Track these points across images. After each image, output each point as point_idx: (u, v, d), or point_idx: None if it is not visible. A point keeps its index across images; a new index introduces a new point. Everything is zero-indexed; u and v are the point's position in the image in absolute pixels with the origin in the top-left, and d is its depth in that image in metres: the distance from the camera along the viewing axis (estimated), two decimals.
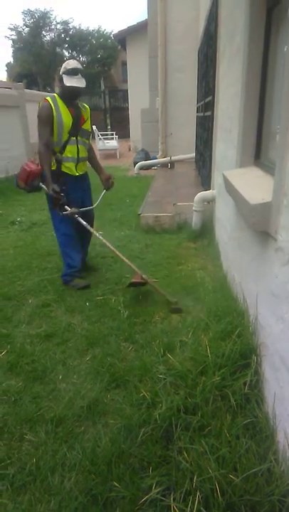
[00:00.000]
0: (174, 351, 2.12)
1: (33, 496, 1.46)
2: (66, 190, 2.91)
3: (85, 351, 2.34)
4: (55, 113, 2.82)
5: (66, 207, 2.91)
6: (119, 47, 16.71)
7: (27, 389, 2.01)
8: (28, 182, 2.98)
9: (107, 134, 12.91)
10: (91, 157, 3.24)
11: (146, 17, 8.94)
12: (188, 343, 2.11)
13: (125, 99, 15.63)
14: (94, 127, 11.89)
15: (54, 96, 2.90)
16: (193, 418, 1.55)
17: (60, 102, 2.88)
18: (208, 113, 4.49)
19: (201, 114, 5.82)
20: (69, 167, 3.00)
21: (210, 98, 4.34)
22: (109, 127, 17.13)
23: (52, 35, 25.61)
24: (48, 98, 2.87)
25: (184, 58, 7.75)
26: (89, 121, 3.08)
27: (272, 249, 1.59)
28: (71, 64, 2.85)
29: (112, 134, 12.71)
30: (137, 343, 2.37)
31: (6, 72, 28.65)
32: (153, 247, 3.94)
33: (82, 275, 3.26)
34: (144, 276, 2.86)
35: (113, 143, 12.15)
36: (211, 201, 4.12)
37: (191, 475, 1.30)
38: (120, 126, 15.59)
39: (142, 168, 8.53)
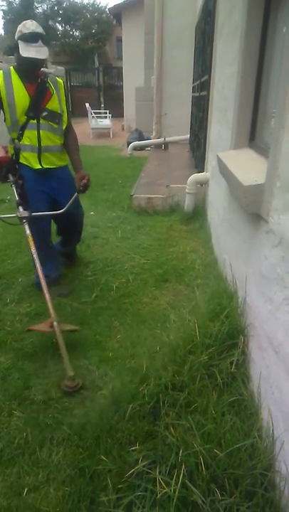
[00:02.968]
0: (163, 330, 2.15)
1: (22, 468, 1.49)
2: (22, 186, 2.38)
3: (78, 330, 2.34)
4: (4, 91, 2.29)
5: (19, 208, 2.32)
6: (115, 22, 16.18)
7: (16, 366, 2.02)
8: None
9: (100, 113, 12.64)
10: (68, 147, 2.61)
11: None
12: (176, 323, 2.13)
13: (120, 77, 15.26)
14: (87, 105, 11.66)
15: (8, 69, 2.34)
16: (180, 395, 1.58)
17: (14, 76, 2.33)
18: (204, 93, 4.41)
19: (197, 94, 5.71)
20: (27, 158, 2.45)
21: (206, 77, 4.26)
22: (102, 105, 16.75)
23: (44, 7, 24.68)
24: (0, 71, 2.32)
25: (181, 35, 7.54)
26: (57, 99, 2.44)
27: (263, 231, 1.59)
28: (29, 26, 2.20)
29: (106, 113, 12.44)
30: (126, 322, 2.39)
31: None
32: (145, 229, 3.92)
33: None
34: (54, 323, 2.02)
35: (106, 122, 11.92)
36: (204, 183, 4.09)
37: (176, 449, 1.33)
38: (114, 104, 15.24)
39: (135, 148, 8.41)
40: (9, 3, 24.05)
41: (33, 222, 2.33)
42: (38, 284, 2.50)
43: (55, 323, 2.00)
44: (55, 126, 2.46)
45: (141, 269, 3.05)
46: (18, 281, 2.92)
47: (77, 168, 2.66)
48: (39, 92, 2.37)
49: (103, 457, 1.42)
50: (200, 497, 1.13)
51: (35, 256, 2.24)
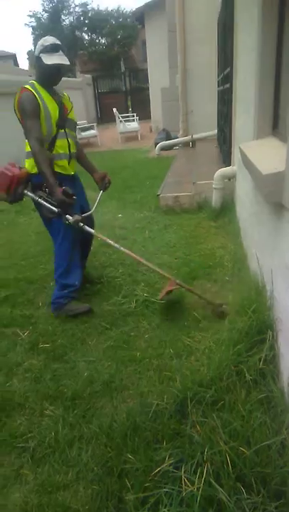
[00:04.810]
0: (190, 328, 2.12)
1: (52, 467, 1.52)
2: (68, 194, 2.35)
3: (104, 331, 2.37)
4: (40, 103, 2.31)
5: (66, 216, 2.33)
6: (139, 25, 16.28)
7: (47, 367, 2.07)
8: (12, 190, 2.36)
9: (128, 116, 12.74)
10: (79, 153, 2.69)
11: None
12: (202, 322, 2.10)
13: (146, 79, 15.31)
14: (114, 110, 11.80)
15: (33, 84, 2.37)
16: (207, 392, 1.55)
17: (41, 89, 2.36)
18: (227, 85, 4.32)
19: (221, 88, 5.60)
20: (63, 166, 2.49)
21: (228, 69, 4.17)
22: (130, 109, 16.88)
23: (71, 18, 25.30)
24: (28, 86, 2.34)
25: (203, 31, 7.43)
26: (73, 111, 2.57)
27: (286, 221, 1.53)
28: (49, 40, 2.34)
29: (133, 116, 12.53)
30: (154, 322, 2.38)
31: (27, 60, 28.78)
32: (172, 228, 3.90)
33: (85, 291, 2.82)
34: (178, 281, 2.44)
35: (134, 125, 11.99)
36: (231, 178, 4.00)
37: (202, 448, 1.30)
38: (141, 107, 15.31)
39: (162, 148, 8.39)
40: (38, 19, 24.90)
41: (75, 229, 2.40)
42: (58, 299, 2.56)
43: (177, 281, 2.44)
44: (74, 134, 2.60)
45: (168, 268, 3.02)
46: (50, 285, 2.99)
47: (93, 169, 2.74)
48: (61, 103, 2.48)
49: (130, 456, 1.41)
50: (225, 496, 1.10)
51: (117, 245, 2.47)
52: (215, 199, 4.06)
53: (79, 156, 2.70)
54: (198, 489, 1.15)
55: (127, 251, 2.47)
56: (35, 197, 2.38)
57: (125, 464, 1.41)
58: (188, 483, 1.18)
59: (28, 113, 2.30)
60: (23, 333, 2.38)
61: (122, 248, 2.47)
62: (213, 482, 1.15)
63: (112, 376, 1.95)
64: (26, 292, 2.91)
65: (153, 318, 2.44)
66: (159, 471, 1.31)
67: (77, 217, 2.34)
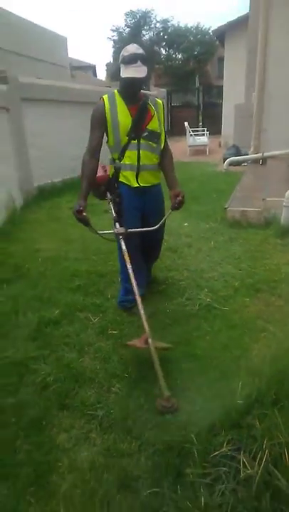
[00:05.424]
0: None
1: (118, 436, 1.70)
2: (120, 204, 2.53)
3: (166, 327, 2.53)
4: (109, 113, 2.37)
5: (116, 224, 2.47)
6: (217, 42, 16.53)
7: (115, 351, 2.27)
8: (97, 187, 2.58)
9: (198, 130, 12.95)
10: (164, 166, 2.62)
11: (247, 11, 8.77)
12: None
13: (219, 95, 15.45)
14: (186, 124, 12.07)
15: (113, 93, 2.44)
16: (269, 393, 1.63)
17: (118, 99, 2.40)
18: None
19: None
20: (126, 176, 2.50)
21: None
22: (200, 124, 17.11)
23: (151, 33, 26.32)
24: (105, 96, 2.42)
25: (284, 53, 7.46)
26: (157, 120, 2.48)
27: None
28: (129, 49, 2.31)
29: (204, 130, 12.71)
30: (215, 325, 2.50)
31: (105, 72, 30.32)
32: (237, 241, 3.97)
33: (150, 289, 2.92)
34: (149, 340, 2.05)
35: (204, 139, 12.16)
36: None
37: (261, 439, 1.39)
38: (212, 122, 15.46)
39: (231, 163, 8.44)
40: (119, 33, 26.22)
41: (127, 237, 2.44)
42: (123, 303, 2.73)
43: (149, 340, 2.04)
44: (154, 145, 2.50)
45: (232, 278, 3.12)
46: (118, 280, 3.22)
47: (172, 185, 2.61)
48: (140, 113, 2.42)
49: (193, 436, 1.54)
50: (284, 481, 1.19)
51: (130, 271, 2.30)
52: (284, 216, 4.07)
53: (163, 169, 2.63)
54: (256, 472, 1.25)
55: (136, 291, 2.25)
56: (107, 198, 2.62)
57: (186, 443, 1.54)
58: (247, 465, 1.28)
59: (92, 122, 2.43)
60: (94, 319, 2.62)
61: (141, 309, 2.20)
62: (273, 468, 1.24)
63: (173, 365, 2.10)
64: (97, 284, 3.16)
65: (215, 322, 2.55)
66: (218, 454, 1.43)
67: (119, 229, 2.42)
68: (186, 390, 1.93)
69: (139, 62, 2.27)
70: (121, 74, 2.31)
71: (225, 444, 1.46)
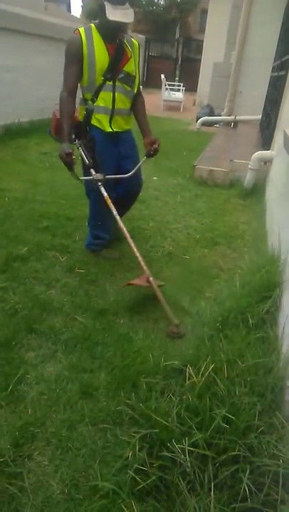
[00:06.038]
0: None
1: (81, 355, 1.90)
2: (93, 149, 2.39)
3: (131, 269, 2.71)
4: (86, 49, 2.21)
5: (91, 170, 2.36)
6: None
7: (81, 286, 2.43)
8: (57, 132, 2.41)
9: (174, 85, 12.65)
10: (137, 111, 2.53)
11: None
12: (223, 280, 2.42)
13: (198, 50, 15.02)
14: (162, 76, 11.73)
15: (90, 27, 2.25)
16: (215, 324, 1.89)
17: (96, 35, 2.24)
18: (283, 72, 4.44)
19: (276, 74, 5.68)
20: (100, 120, 2.38)
21: (287, 57, 4.28)
22: (177, 78, 16.64)
23: None
24: (81, 29, 2.23)
25: (269, 13, 7.35)
26: (133, 62, 2.36)
27: None
28: None
29: (180, 86, 12.44)
30: (175, 271, 2.72)
31: (81, 8, 28.04)
32: (202, 198, 4.16)
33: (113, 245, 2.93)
34: (150, 279, 2.23)
35: (179, 95, 11.95)
36: (267, 162, 4.21)
37: (205, 357, 1.65)
38: (189, 77, 15.10)
39: (204, 123, 8.48)
40: None
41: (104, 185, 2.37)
42: (90, 245, 2.82)
43: (151, 279, 2.21)
44: (129, 88, 2.40)
45: (194, 231, 3.33)
46: (85, 224, 3.32)
47: (146, 132, 2.56)
48: (118, 53, 2.29)
49: (150, 356, 1.77)
50: (221, 386, 1.45)
51: (117, 217, 2.35)
52: (248, 179, 4.29)
53: (136, 115, 2.56)
54: (199, 382, 1.50)
55: (127, 235, 2.34)
56: (76, 143, 2.41)
57: (143, 364, 1.78)
58: (193, 376, 1.53)
59: (67, 58, 2.25)
60: (62, 258, 2.74)
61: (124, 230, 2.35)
62: (215, 376, 1.49)
63: (134, 302, 2.30)
64: (65, 226, 3.24)
65: (175, 268, 2.77)
66: (168, 364, 1.68)
67: (97, 176, 2.33)
68: (145, 321, 2.16)
69: (127, 5, 2.13)
70: (107, 15, 2.10)
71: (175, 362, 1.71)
